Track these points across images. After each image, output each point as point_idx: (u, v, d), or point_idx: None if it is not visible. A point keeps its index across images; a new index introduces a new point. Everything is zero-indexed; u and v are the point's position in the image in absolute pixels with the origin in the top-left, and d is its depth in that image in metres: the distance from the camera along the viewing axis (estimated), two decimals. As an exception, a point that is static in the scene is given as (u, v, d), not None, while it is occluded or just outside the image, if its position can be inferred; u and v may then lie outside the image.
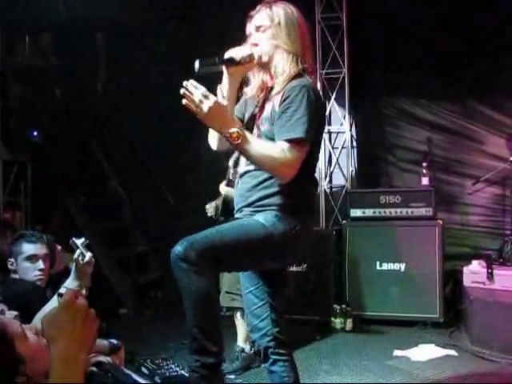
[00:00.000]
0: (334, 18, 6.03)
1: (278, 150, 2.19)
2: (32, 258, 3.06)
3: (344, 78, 5.96)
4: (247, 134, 2.21)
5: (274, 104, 2.34)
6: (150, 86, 6.50)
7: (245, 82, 2.48)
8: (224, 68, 2.33)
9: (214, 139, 2.49)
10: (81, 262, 2.67)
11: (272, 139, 2.26)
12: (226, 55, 2.32)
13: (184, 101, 2.15)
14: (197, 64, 2.23)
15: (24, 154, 6.04)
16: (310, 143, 2.25)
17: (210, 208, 4.17)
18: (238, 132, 2.16)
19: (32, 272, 3.05)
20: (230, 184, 3.85)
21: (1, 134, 5.62)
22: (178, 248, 2.13)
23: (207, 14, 6.32)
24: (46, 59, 6.91)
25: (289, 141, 2.19)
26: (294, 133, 2.19)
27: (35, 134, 6.25)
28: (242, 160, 2.46)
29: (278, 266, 2.45)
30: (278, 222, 2.25)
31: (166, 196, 6.80)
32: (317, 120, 2.28)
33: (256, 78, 2.47)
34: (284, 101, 2.25)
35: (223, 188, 4.05)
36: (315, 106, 2.27)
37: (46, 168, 6.26)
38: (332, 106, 6.08)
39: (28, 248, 3.07)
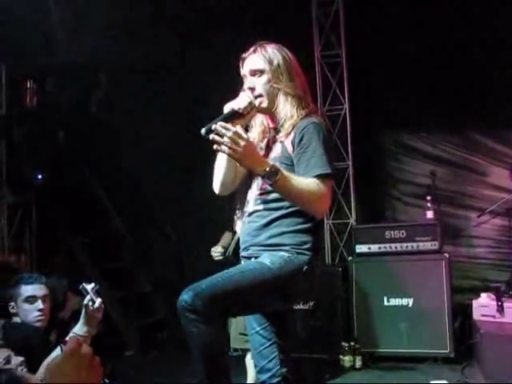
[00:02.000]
0: (333, 56, 6.10)
1: (314, 185, 2.18)
2: (30, 299, 3.04)
3: (345, 113, 6.00)
4: (283, 170, 2.18)
5: (284, 145, 2.32)
6: (154, 125, 6.53)
7: (246, 128, 2.45)
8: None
9: (218, 183, 2.46)
10: (91, 307, 2.64)
11: None
12: (226, 110, 2.28)
13: (215, 146, 2.10)
14: (203, 131, 2.13)
15: (29, 197, 6.05)
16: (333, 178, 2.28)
17: (217, 251, 4.10)
18: (275, 169, 2.13)
19: (31, 313, 3.03)
20: None
21: (6, 177, 5.65)
22: (185, 297, 2.08)
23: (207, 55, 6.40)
24: (49, 102, 6.99)
25: (318, 176, 2.19)
26: (322, 168, 2.20)
27: (39, 176, 6.28)
28: (250, 199, 2.43)
29: (286, 306, 2.43)
30: (285, 263, 2.22)
31: (168, 234, 6.78)
32: (333, 156, 2.31)
33: (257, 123, 2.47)
34: (300, 141, 2.25)
35: (239, 227, 3.99)
36: (329, 142, 2.31)
37: (50, 210, 6.26)
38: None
39: (26, 289, 3.05)
